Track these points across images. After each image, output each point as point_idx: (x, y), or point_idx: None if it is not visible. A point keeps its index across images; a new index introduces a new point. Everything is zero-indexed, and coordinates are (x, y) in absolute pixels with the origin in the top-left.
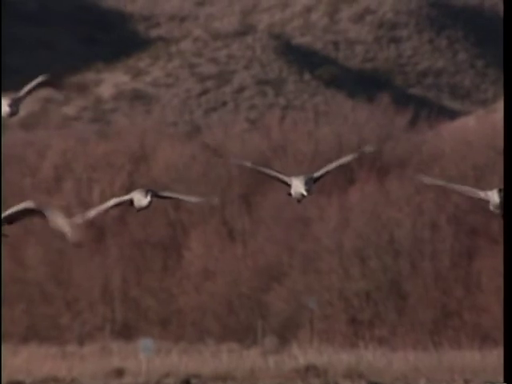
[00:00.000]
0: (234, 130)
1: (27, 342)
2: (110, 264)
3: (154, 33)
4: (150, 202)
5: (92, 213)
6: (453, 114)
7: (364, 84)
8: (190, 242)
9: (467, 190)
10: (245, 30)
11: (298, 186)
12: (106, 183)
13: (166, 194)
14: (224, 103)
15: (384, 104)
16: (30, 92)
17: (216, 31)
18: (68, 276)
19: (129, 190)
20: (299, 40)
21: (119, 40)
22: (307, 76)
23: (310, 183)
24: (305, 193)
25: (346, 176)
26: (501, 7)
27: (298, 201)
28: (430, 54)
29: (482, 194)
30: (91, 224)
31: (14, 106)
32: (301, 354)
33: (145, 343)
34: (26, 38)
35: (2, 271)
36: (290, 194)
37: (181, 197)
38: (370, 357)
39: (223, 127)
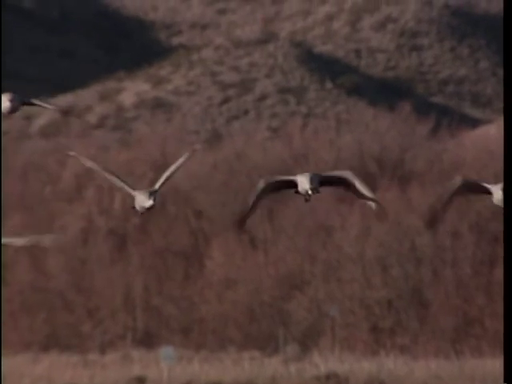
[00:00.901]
0: (255, 138)
1: (48, 350)
2: (131, 272)
3: (175, 41)
4: (153, 206)
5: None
6: (474, 123)
7: (385, 92)
8: (211, 250)
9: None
10: (266, 38)
11: (303, 183)
12: (127, 191)
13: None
14: (246, 111)
15: (405, 112)
16: (32, 105)
17: (238, 39)
18: (89, 284)
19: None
20: (321, 48)
21: (140, 48)
22: (329, 84)
23: (316, 181)
24: (309, 190)
25: (368, 184)
26: None
27: (306, 200)
28: (451, 63)
29: (486, 186)
30: (113, 232)
31: (15, 101)
32: (322, 362)
33: (166, 351)
34: (47, 46)
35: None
36: (297, 192)
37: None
38: (392, 365)
39: (245, 135)
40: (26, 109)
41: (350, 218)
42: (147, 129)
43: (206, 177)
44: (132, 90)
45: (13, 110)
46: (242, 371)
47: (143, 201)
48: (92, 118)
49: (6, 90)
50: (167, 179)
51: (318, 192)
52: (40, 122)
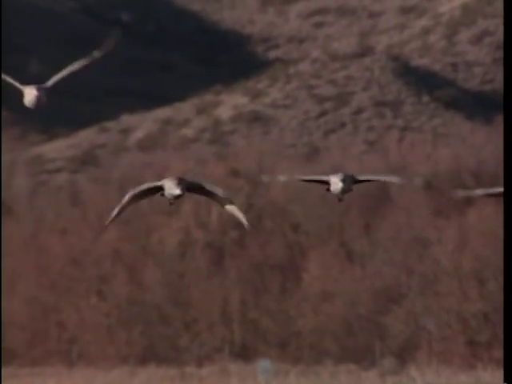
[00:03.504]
0: (352, 151)
1: (145, 363)
2: (228, 285)
3: (272, 54)
4: (182, 194)
5: (125, 198)
6: None
7: (482, 106)
8: (308, 263)
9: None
10: (363, 52)
11: (335, 183)
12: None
13: (196, 183)
14: (342, 125)
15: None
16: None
17: (334, 52)
18: (187, 297)
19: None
20: (418, 62)
21: (238, 62)
22: (425, 98)
23: (348, 181)
24: (340, 188)
25: (465, 198)
26: None
27: (340, 200)
28: None
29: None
30: (210, 246)
31: (42, 93)
32: (419, 376)
33: (263, 365)
34: (145, 60)
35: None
36: (328, 190)
37: (209, 187)
38: (488, 378)
39: (341, 149)
40: (123, 122)
41: (447, 231)
42: (244, 142)
43: (302, 190)
44: (229, 103)
45: (37, 102)
46: None
47: (171, 188)
48: (189, 131)
49: (106, 104)
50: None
51: (350, 190)
52: (137, 135)
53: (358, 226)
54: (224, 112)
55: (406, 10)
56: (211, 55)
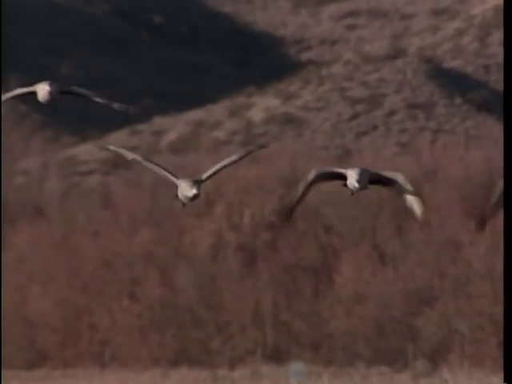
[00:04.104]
0: (384, 153)
1: (177, 365)
2: (261, 288)
3: (304, 56)
4: (197, 196)
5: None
6: None
7: None
8: (340, 265)
9: None
10: (395, 54)
11: (351, 176)
12: (256, 207)
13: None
14: (375, 127)
15: None
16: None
17: (367, 55)
18: (219, 300)
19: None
20: (450, 64)
21: (270, 64)
22: (458, 100)
23: (365, 176)
24: (356, 184)
25: (498, 199)
26: None
27: (352, 193)
28: None
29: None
30: (242, 248)
31: (54, 89)
32: (451, 378)
33: (296, 367)
34: (177, 62)
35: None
36: (345, 185)
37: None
38: None
39: (374, 151)
40: (156, 124)
41: (480, 233)
42: (276, 144)
43: (335, 192)
44: (261, 105)
45: (50, 98)
46: None
47: (186, 190)
48: (221, 133)
49: (137, 106)
50: (217, 172)
51: (366, 188)
52: (170, 137)
53: (391, 228)
54: (256, 114)
55: (438, 12)
56: (243, 57)
